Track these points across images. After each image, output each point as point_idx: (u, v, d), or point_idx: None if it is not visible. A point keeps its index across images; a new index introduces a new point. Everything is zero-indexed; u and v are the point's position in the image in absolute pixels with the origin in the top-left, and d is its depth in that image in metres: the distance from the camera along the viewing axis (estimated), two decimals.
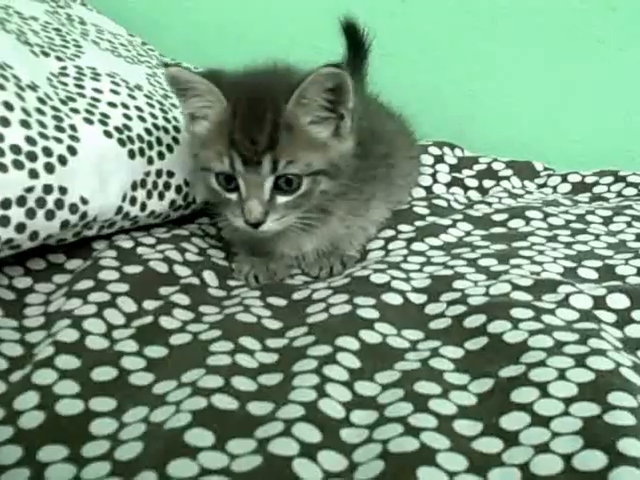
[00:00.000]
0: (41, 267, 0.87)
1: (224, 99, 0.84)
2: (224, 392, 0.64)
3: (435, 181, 1.26)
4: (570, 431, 0.57)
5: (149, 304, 0.80)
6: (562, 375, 0.63)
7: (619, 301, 0.78)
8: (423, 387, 0.65)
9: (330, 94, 0.84)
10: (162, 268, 0.87)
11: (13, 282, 0.83)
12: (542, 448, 0.56)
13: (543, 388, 0.62)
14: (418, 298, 0.82)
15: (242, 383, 0.66)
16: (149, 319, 0.76)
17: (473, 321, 0.75)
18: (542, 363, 0.65)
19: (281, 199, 0.84)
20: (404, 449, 0.56)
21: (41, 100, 0.85)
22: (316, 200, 0.87)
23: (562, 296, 0.78)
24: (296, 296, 0.85)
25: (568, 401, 0.60)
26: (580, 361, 0.64)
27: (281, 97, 0.83)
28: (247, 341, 0.73)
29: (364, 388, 0.66)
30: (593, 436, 0.55)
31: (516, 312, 0.74)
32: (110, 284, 0.81)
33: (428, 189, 1.24)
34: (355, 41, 1.28)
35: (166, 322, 0.77)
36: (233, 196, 0.85)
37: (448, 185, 1.26)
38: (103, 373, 0.68)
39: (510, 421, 0.60)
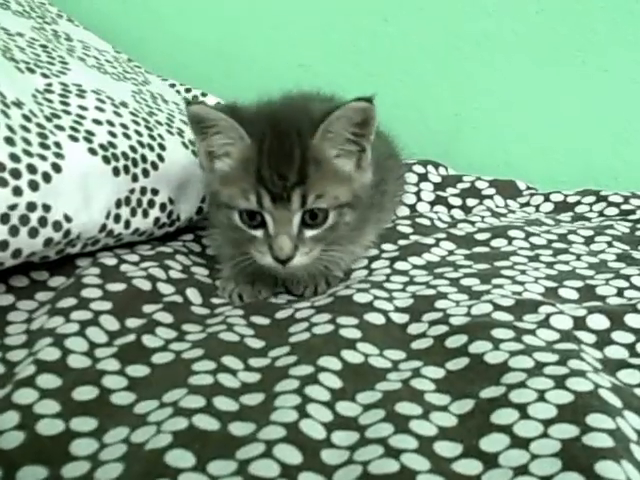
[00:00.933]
0: (24, 284, 0.87)
1: (247, 136, 0.84)
2: (205, 412, 0.63)
3: (419, 199, 1.27)
4: (549, 453, 0.57)
5: (132, 322, 0.80)
6: (542, 396, 0.63)
7: (599, 322, 0.79)
8: (404, 408, 0.65)
9: (356, 127, 0.85)
10: (145, 286, 0.87)
11: None
12: (521, 470, 0.56)
13: (523, 409, 0.62)
14: (400, 318, 0.83)
15: (224, 403, 0.66)
16: (132, 338, 0.76)
17: (454, 341, 0.75)
18: (522, 384, 0.66)
19: (309, 233, 0.85)
20: (384, 471, 0.56)
21: (26, 117, 0.85)
22: (340, 232, 0.88)
23: (543, 316, 0.79)
24: (279, 315, 0.85)
25: (547, 423, 0.60)
26: (560, 382, 0.65)
27: (307, 131, 0.84)
28: (230, 360, 0.73)
29: (345, 409, 0.66)
30: (571, 458, 0.56)
31: (497, 332, 0.75)
32: (93, 302, 0.81)
33: (412, 207, 1.25)
34: None
35: (149, 341, 0.77)
36: (258, 233, 0.85)
37: (432, 203, 1.27)
38: (84, 392, 0.67)
39: (490, 443, 0.60)
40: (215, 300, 0.90)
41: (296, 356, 0.73)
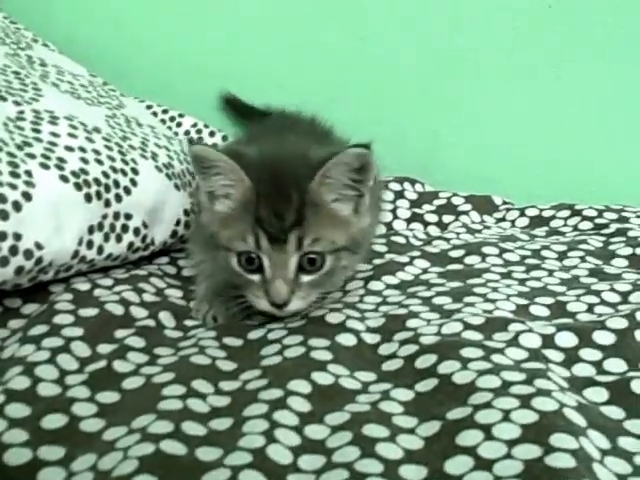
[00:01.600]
0: None
1: (247, 179, 0.84)
2: (173, 437, 0.64)
3: (395, 217, 1.28)
4: (512, 474, 0.57)
5: (103, 348, 0.80)
6: (507, 417, 0.64)
7: (567, 340, 0.80)
8: (371, 430, 0.65)
9: (354, 173, 0.86)
10: (118, 310, 0.87)
11: None
12: None
13: (488, 430, 0.63)
14: (372, 338, 0.83)
15: (192, 428, 0.66)
16: (102, 364, 0.77)
17: (424, 361, 0.76)
18: (488, 404, 0.66)
19: (306, 278, 0.85)
20: None
21: None
22: (337, 276, 0.89)
23: (512, 335, 0.80)
24: (252, 336, 0.85)
25: (511, 443, 0.61)
26: (525, 402, 0.66)
27: (305, 176, 0.84)
28: (200, 384, 0.73)
29: (314, 432, 0.66)
30: (533, 479, 0.56)
31: (466, 352, 0.75)
32: (65, 328, 0.81)
33: (388, 225, 1.25)
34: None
35: (120, 366, 0.77)
36: (255, 277, 0.85)
37: (408, 221, 1.28)
38: (53, 420, 0.67)
39: (454, 465, 0.60)
40: (188, 322, 0.91)
41: (267, 379, 0.74)
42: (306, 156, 0.88)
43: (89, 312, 0.85)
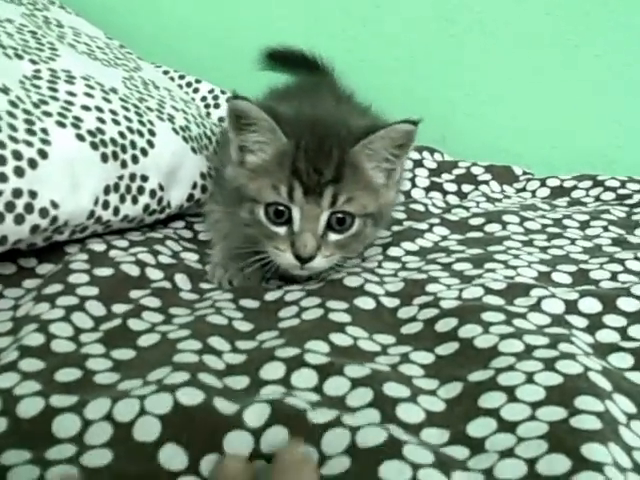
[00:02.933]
0: (11, 272, 0.86)
1: (284, 137, 0.84)
2: (190, 385, 0.62)
3: (414, 185, 1.26)
4: (535, 435, 0.56)
5: (118, 308, 0.79)
6: (530, 379, 0.63)
7: (591, 305, 0.78)
8: (391, 389, 0.64)
9: (396, 148, 0.86)
10: (134, 271, 0.86)
11: None
12: (507, 453, 0.55)
13: (511, 392, 0.61)
14: (391, 302, 0.82)
15: (208, 379, 0.65)
16: (117, 322, 0.76)
17: (444, 325, 0.74)
18: (511, 367, 0.65)
19: (333, 237, 0.85)
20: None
21: (12, 103, 0.85)
22: (359, 242, 0.88)
23: (534, 300, 0.78)
24: (269, 297, 0.84)
25: (535, 405, 0.59)
26: (549, 365, 0.64)
27: (348, 140, 0.84)
28: (216, 341, 0.73)
29: (333, 387, 0.64)
30: (558, 440, 0.55)
31: (487, 316, 0.74)
32: (79, 287, 0.80)
33: (407, 194, 1.24)
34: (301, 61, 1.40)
35: (135, 324, 0.76)
36: (281, 230, 0.84)
37: (427, 190, 1.25)
38: (67, 374, 0.66)
39: (477, 427, 0.59)
40: (204, 285, 0.89)
41: (284, 339, 0.73)
42: (348, 121, 0.88)
43: (104, 272, 0.84)
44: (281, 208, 0.83)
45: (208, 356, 0.69)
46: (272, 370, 0.67)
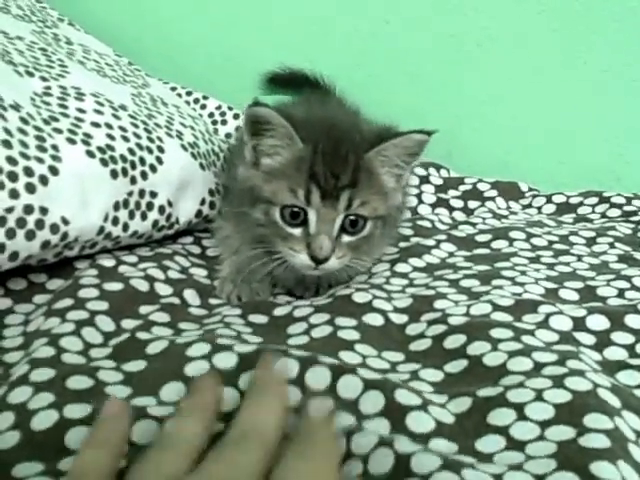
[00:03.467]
0: (22, 287, 0.87)
1: (300, 142, 0.86)
2: None
3: (420, 202, 1.26)
4: (544, 454, 0.56)
5: (128, 323, 0.80)
6: (539, 396, 0.63)
7: (598, 322, 0.78)
8: (402, 396, 0.64)
9: (407, 156, 0.89)
10: (143, 286, 0.87)
11: None
12: (515, 467, 0.55)
13: (520, 409, 0.62)
14: (399, 318, 0.82)
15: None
16: (126, 336, 0.76)
17: (453, 342, 0.74)
18: (520, 384, 0.65)
19: (346, 238, 0.87)
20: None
21: (23, 120, 0.86)
22: (370, 244, 0.91)
23: (542, 317, 0.78)
24: (277, 312, 0.85)
25: (544, 424, 0.59)
26: (558, 382, 0.64)
27: (363, 145, 0.87)
28: (226, 340, 0.72)
29: (346, 386, 0.64)
30: (567, 459, 0.55)
31: (496, 332, 0.74)
32: (89, 302, 0.80)
33: (413, 210, 1.24)
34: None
35: (143, 336, 0.76)
36: (297, 231, 0.86)
37: (433, 206, 1.26)
38: (79, 381, 0.66)
39: (486, 444, 0.59)
40: (213, 301, 0.90)
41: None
42: (361, 127, 0.91)
43: (114, 286, 0.84)
44: (297, 210, 0.85)
45: (218, 355, 0.69)
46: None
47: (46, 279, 0.89)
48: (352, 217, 0.86)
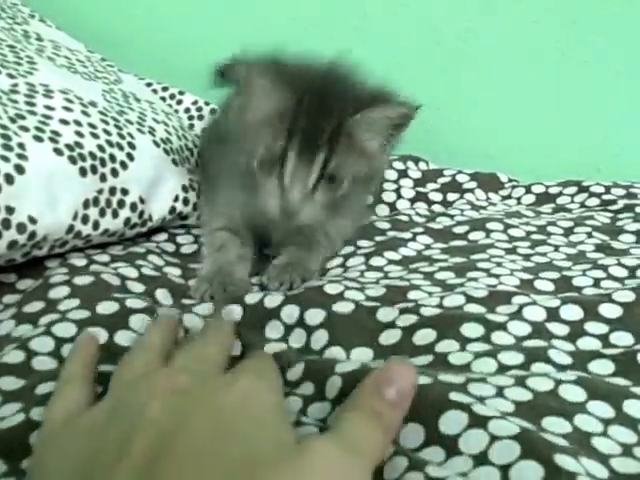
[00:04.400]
0: None
1: (286, 93, 0.87)
2: None
3: (399, 196, 1.25)
4: (506, 435, 0.54)
5: (102, 308, 0.77)
6: (500, 392, 0.61)
7: (573, 313, 0.77)
8: None
9: (393, 128, 0.90)
10: (115, 281, 0.85)
11: None
12: (480, 460, 0.54)
13: (481, 399, 0.60)
14: (370, 304, 0.80)
15: None
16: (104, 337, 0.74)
17: (422, 337, 0.73)
18: (482, 379, 0.64)
19: (320, 194, 0.88)
20: None
21: None
22: (345, 205, 0.93)
23: (515, 308, 0.77)
24: (248, 300, 0.83)
25: (505, 414, 0.58)
26: (519, 381, 0.63)
27: (348, 107, 0.87)
28: None
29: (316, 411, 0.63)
30: (530, 446, 0.53)
31: (466, 329, 0.73)
32: (60, 303, 0.79)
33: (392, 205, 1.23)
34: None
35: (120, 338, 0.74)
36: (272, 180, 0.87)
37: (412, 200, 1.25)
38: (48, 387, 0.65)
39: (448, 423, 0.57)
40: (186, 301, 0.88)
41: None
42: (352, 87, 0.91)
43: (84, 280, 0.82)
44: (275, 160, 0.86)
45: None
46: None
47: (16, 279, 0.88)
48: (329, 174, 0.87)
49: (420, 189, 1.28)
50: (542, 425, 0.57)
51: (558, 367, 0.67)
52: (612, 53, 1.39)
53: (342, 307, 0.79)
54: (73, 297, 0.80)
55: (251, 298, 0.83)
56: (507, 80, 1.45)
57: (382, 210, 1.22)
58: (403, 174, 1.30)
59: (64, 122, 0.92)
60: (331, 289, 0.84)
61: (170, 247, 1.02)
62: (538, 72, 1.43)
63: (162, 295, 0.87)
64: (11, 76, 0.95)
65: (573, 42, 1.40)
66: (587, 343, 0.74)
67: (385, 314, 0.78)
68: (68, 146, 0.89)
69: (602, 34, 1.38)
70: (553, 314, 0.77)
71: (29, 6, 1.29)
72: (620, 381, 0.67)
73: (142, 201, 0.97)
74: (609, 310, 0.77)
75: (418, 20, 1.46)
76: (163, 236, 1.05)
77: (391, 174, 1.28)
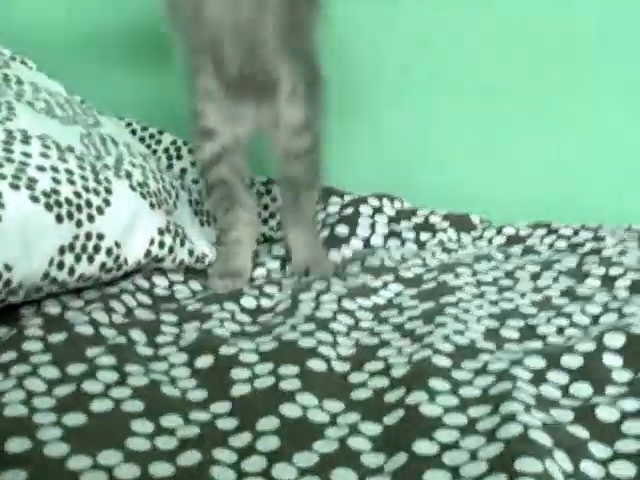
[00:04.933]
0: None
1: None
2: None
3: (373, 232, 1.28)
4: None
5: (73, 369, 0.79)
6: (474, 456, 0.64)
7: (535, 362, 0.80)
8: (339, 477, 0.64)
9: None
10: (88, 331, 0.86)
11: None
12: None
13: (455, 470, 0.63)
14: (342, 367, 0.83)
15: (160, 469, 0.65)
16: (71, 389, 0.75)
17: (393, 396, 0.76)
18: (455, 444, 0.66)
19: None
20: None
21: None
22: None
23: (481, 364, 0.80)
24: (223, 351, 0.85)
25: (478, 478, 0.61)
26: (490, 437, 0.66)
27: None
28: (169, 420, 0.73)
29: (281, 473, 0.65)
30: None
31: (434, 383, 0.76)
32: (33, 356, 0.80)
33: (366, 241, 1.27)
34: None
35: (89, 387, 0.76)
36: None
37: (386, 237, 1.28)
38: (19, 444, 0.66)
39: None
40: (160, 339, 0.90)
41: (236, 419, 0.73)
42: None
43: (58, 337, 0.84)
44: None
45: (161, 438, 0.69)
46: (224, 455, 0.68)
47: None
48: None
49: (394, 227, 1.30)
50: (515, 468, 0.60)
51: (525, 405, 0.70)
52: (584, 84, 1.42)
53: (315, 365, 0.82)
54: (47, 352, 0.81)
55: (225, 350, 0.85)
56: (479, 118, 1.48)
57: (356, 244, 1.25)
58: (378, 210, 1.33)
59: (41, 169, 0.93)
60: (304, 343, 0.86)
61: (145, 284, 1.05)
62: (509, 106, 1.46)
63: (136, 335, 0.89)
64: None
65: (546, 76, 1.43)
66: (549, 392, 0.76)
67: (356, 377, 0.81)
68: (45, 193, 0.90)
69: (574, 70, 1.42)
70: (517, 363, 0.80)
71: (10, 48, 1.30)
72: (578, 430, 0.69)
73: (118, 245, 0.98)
74: (570, 360, 0.80)
75: (389, 57, 1.48)
76: (139, 274, 1.07)
77: (367, 210, 1.31)
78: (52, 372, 0.78)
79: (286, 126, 1.08)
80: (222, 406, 0.76)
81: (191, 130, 1.12)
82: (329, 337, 0.89)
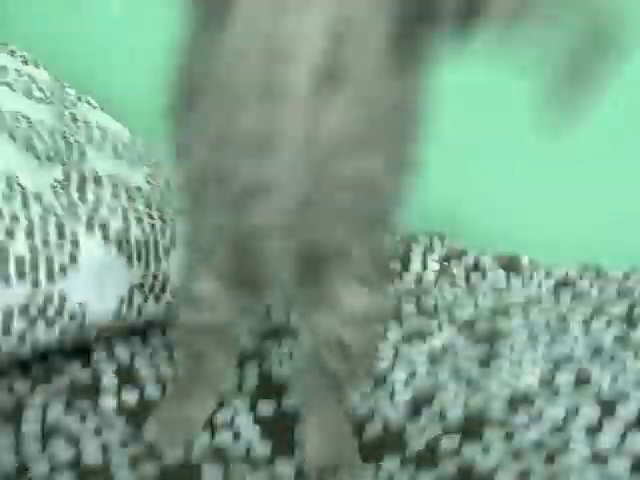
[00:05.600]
0: None
1: None
2: None
3: (424, 268, 1.31)
4: None
5: None
6: None
7: (590, 413, 0.83)
8: None
9: None
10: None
11: None
12: None
13: None
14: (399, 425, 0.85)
15: None
16: None
17: (447, 444, 0.78)
18: None
19: None
20: None
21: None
22: None
23: (535, 410, 0.83)
24: None
25: None
26: None
27: None
28: None
29: None
30: None
31: (489, 433, 0.79)
32: None
33: (418, 276, 1.29)
34: None
35: None
36: None
37: (437, 277, 1.30)
38: None
39: None
40: None
41: None
42: None
43: None
44: None
45: None
46: None
47: None
48: None
49: (445, 266, 1.33)
50: None
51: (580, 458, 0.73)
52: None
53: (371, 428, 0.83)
54: None
55: None
56: (526, 158, 1.48)
57: (407, 284, 1.27)
58: (429, 249, 1.36)
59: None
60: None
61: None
62: (557, 150, 1.46)
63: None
64: (64, 165, 1.01)
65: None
66: (604, 442, 0.78)
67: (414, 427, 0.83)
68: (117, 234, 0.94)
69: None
70: (571, 414, 0.82)
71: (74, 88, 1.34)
72: None
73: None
74: (625, 410, 0.82)
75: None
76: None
77: (418, 248, 1.34)
78: None
79: (341, 313, 0.72)
80: None
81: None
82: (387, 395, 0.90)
